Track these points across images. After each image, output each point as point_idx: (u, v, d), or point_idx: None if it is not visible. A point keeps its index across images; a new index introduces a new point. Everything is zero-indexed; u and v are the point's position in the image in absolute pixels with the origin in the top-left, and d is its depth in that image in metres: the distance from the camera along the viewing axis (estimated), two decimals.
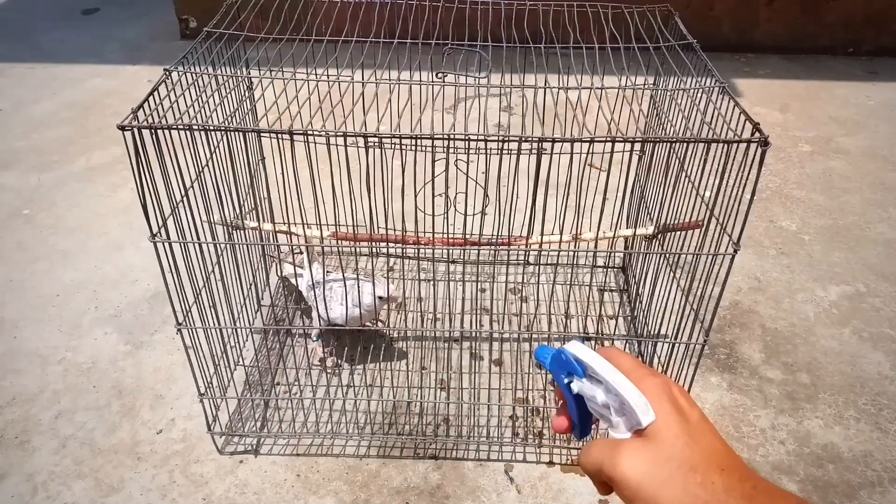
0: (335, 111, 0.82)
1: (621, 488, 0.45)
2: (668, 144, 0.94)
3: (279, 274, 1.35)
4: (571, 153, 0.77)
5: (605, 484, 0.49)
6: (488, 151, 0.87)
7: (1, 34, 2.72)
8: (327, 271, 1.13)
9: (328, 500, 0.95)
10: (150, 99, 0.76)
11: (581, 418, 0.52)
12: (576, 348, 0.50)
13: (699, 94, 0.86)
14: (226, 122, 0.92)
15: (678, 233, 0.95)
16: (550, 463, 1.01)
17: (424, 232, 1.24)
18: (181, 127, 0.74)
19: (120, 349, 1.21)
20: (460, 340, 1.22)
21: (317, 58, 0.92)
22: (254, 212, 1.13)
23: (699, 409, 0.47)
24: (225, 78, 0.91)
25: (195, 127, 0.74)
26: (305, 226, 0.91)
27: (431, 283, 1.35)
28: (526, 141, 0.73)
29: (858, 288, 1.37)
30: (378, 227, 0.86)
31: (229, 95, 0.96)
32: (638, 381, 0.47)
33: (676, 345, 0.90)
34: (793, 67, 2.46)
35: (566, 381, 0.51)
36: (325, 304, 1.01)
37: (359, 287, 1.00)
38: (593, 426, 0.52)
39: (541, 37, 0.98)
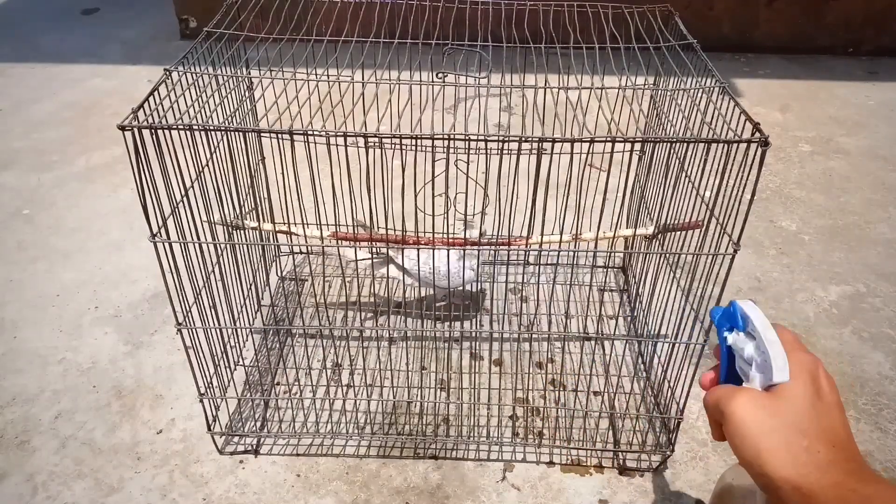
0: (335, 111, 0.82)
1: (728, 423, 0.47)
2: (668, 144, 0.94)
3: (279, 273, 1.35)
4: (571, 153, 0.77)
5: (718, 426, 0.50)
6: (488, 151, 0.87)
7: (1, 34, 2.72)
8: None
9: (328, 500, 0.95)
10: (151, 99, 0.76)
11: (726, 378, 0.55)
12: (747, 305, 0.54)
13: (699, 94, 0.86)
14: (226, 122, 0.92)
15: (678, 233, 0.95)
16: (550, 463, 1.01)
17: (424, 232, 1.24)
18: (181, 127, 0.74)
19: (120, 349, 1.21)
20: (460, 340, 1.22)
21: (317, 58, 0.92)
22: (254, 212, 1.13)
23: (838, 397, 0.48)
24: (225, 78, 0.91)
25: (195, 127, 0.74)
26: (305, 226, 0.91)
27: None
28: (526, 141, 0.73)
29: (858, 288, 1.37)
30: (378, 227, 0.86)
31: (229, 95, 0.96)
32: (790, 350, 0.49)
33: (676, 345, 0.90)
34: (793, 67, 2.46)
35: (724, 334, 0.55)
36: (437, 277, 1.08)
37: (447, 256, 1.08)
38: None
39: (541, 37, 0.98)
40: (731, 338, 0.54)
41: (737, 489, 0.74)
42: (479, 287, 1.33)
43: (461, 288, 1.18)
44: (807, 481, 0.42)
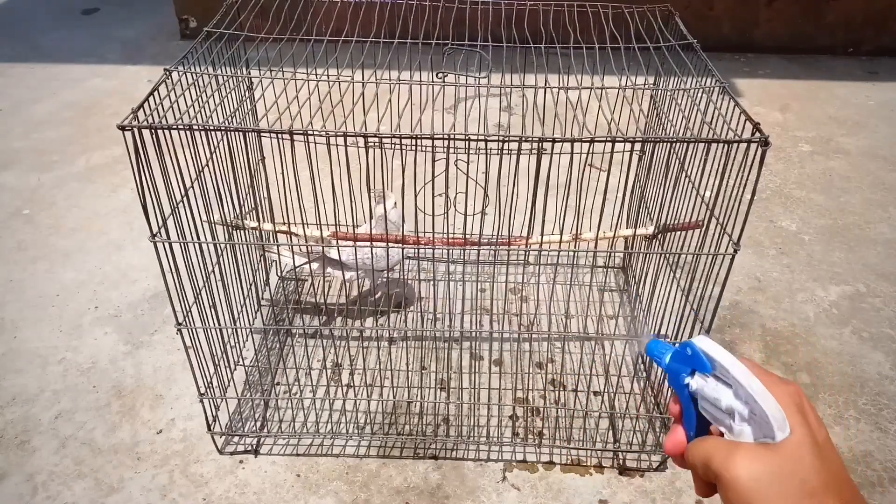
0: (335, 111, 0.82)
1: (729, 490, 0.42)
2: (668, 144, 0.94)
3: (279, 273, 1.35)
4: (571, 153, 0.77)
5: (707, 484, 0.45)
6: (488, 151, 0.87)
7: (1, 34, 2.72)
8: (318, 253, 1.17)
9: (328, 500, 0.95)
10: (151, 99, 0.76)
11: (699, 428, 0.48)
12: (705, 343, 0.46)
13: (699, 94, 0.86)
14: (226, 122, 0.92)
15: (678, 233, 0.95)
16: (550, 463, 1.01)
17: (424, 232, 1.24)
18: (181, 127, 0.74)
19: (120, 349, 1.21)
20: (460, 340, 1.22)
21: (317, 58, 0.92)
22: (254, 212, 1.13)
23: (826, 430, 0.43)
24: (225, 78, 0.91)
25: (195, 127, 0.74)
26: (305, 226, 0.91)
27: (431, 283, 1.35)
28: (526, 141, 0.73)
29: (858, 288, 1.37)
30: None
31: (229, 95, 0.96)
32: (769, 386, 0.44)
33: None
34: (793, 67, 2.46)
35: (686, 381, 0.47)
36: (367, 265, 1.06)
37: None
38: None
39: (541, 37, 0.98)
40: (697, 384, 0.47)
41: None
42: (477, 282, 1.33)
43: (391, 271, 1.17)
44: None
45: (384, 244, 0.91)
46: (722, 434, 0.46)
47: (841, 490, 0.41)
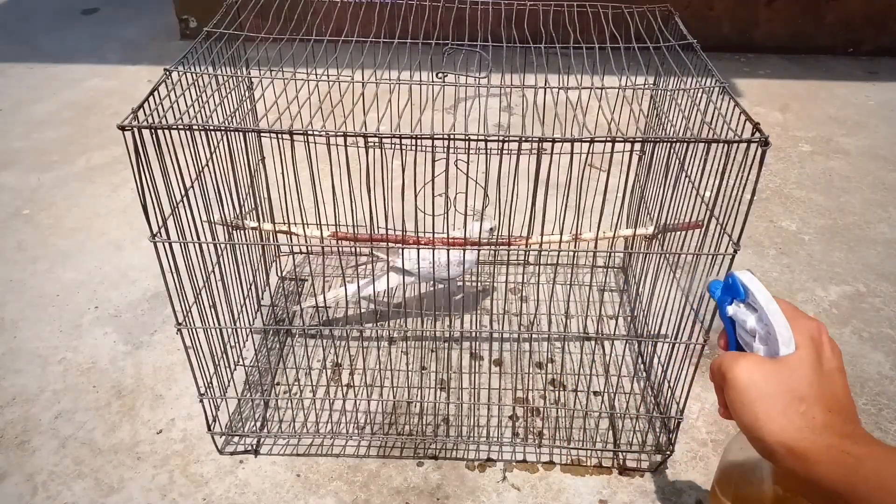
0: (335, 111, 0.82)
1: (729, 388, 0.48)
2: (668, 144, 0.94)
3: (279, 274, 1.35)
4: (571, 153, 0.77)
5: (723, 396, 0.50)
6: (488, 151, 0.87)
7: (1, 34, 2.72)
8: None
9: (328, 500, 0.95)
10: (150, 99, 0.76)
11: (735, 348, 0.55)
12: (745, 276, 0.54)
13: (699, 94, 0.86)
14: (226, 122, 0.92)
15: (678, 233, 0.95)
16: (550, 463, 1.01)
17: (424, 232, 1.24)
18: (181, 127, 0.74)
19: (120, 349, 1.21)
20: (460, 340, 1.22)
21: (317, 58, 0.92)
22: (254, 212, 1.13)
23: (840, 362, 0.50)
24: (225, 78, 0.91)
25: (195, 127, 0.74)
26: (305, 226, 0.91)
27: (431, 283, 1.35)
28: (526, 141, 0.73)
29: (858, 288, 1.37)
30: (378, 227, 0.86)
31: (229, 95, 0.96)
32: (792, 318, 0.49)
33: (676, 345, 0.90)
34: (793, 67, 2.46)
35: (726, 305, 0.55)
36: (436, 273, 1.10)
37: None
38: None
39: (541, 37, 0.98)
40: (732, 309, 0.54)
41: (742, 462, 0.74)
42: (477, 282, 1.33)
43: (459, 279, 1.19)
44: (801, 444, 0.43)
45: (384, 244, 0.91)
46: None
47: (832, 404, 0.46)
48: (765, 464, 0.69)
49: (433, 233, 1.03)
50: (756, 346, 0.50)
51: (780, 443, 0.44)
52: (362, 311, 1.27)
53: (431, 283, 1.20)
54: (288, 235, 1.16)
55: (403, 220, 0.89)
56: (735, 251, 0.79)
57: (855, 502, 0.40)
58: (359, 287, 1.16)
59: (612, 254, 1.41)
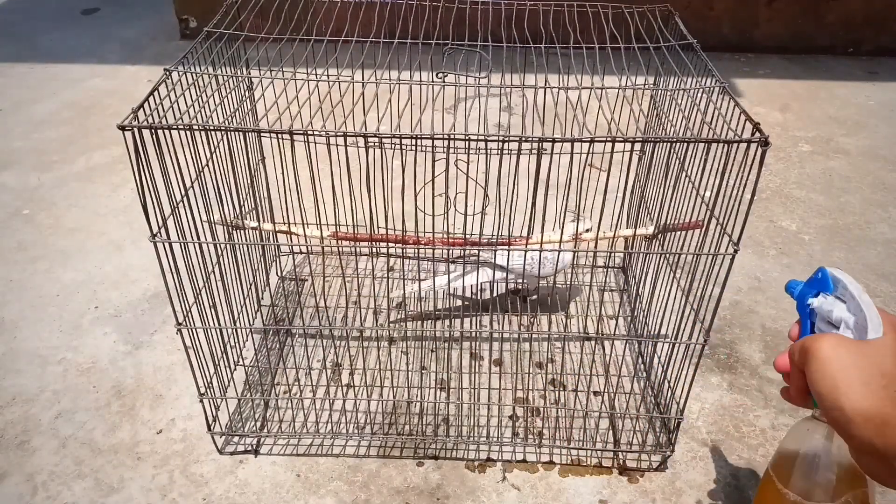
0: (335, 111, 0.82)
1: (812, 360, 0.49)
2: (668, 144, 0.94)
3: (279, 274, 1.35)
4: (571, 153, 0.77)
5: (801, 377, 0.52)
6: (488, 151, 0.87)
7: (1, 34, 2.72)
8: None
9: (328, 500, 0.95)
10: (151, 99, 0.76)
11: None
12: (836, 270, 0.59)
13: (699, 94, 0.86)
14: (226, 122, 0.92)
15: (678, 233, 0.95)
16: (550, 463, 1.01)
17: (424, 232, 1.24)
18: (181, 127, 0.74)
19: (120, 349, 1.21)
20: (460, 340, 1.22)
21: (317, 58, 0.92)
22: (254, 212, 1.13)
23: None
24: (225, 78, 0.91)
25: (195, 127, 0.74)
26: (305, 226, 0.91)
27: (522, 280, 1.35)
28: (526, 141, 0.73)
29: None
30: (378, 227, 0.86)
31: (229, 95, 0.96)
32: (880, 310, 0.53)
33: (676, 345, 0.90)
34: (793, 67, 2.46)
35: (809, 301, 0.59)
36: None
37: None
38: None
39: (541, 37, 0.98)
40: (818, 301, 0.57)
41: (805, 449, 0.74)
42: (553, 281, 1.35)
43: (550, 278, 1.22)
44: (881, 411, 0.44)
45: (384, 244, 0.91)
46: None
47: None
48: (831, 449, 0.70)
49: (433, 232, 1.03)
50: (842, 332, 0.53)
51: (857, 410, 0.44)
52: (362, 310, 1.27)
53: (522, 280, 1.22)
54: (288, 235, 1.16)
55: (403, 220, 0.89)
56: (735, 251, 0.79)
57: None
58: (449, 279, 1.17)
59: (612, 254, 1.41)
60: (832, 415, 0.46)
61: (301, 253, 1.44)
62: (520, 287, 1.27)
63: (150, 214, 0.77)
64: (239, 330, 1.11)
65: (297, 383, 1.13)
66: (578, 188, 0.80)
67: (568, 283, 1.35)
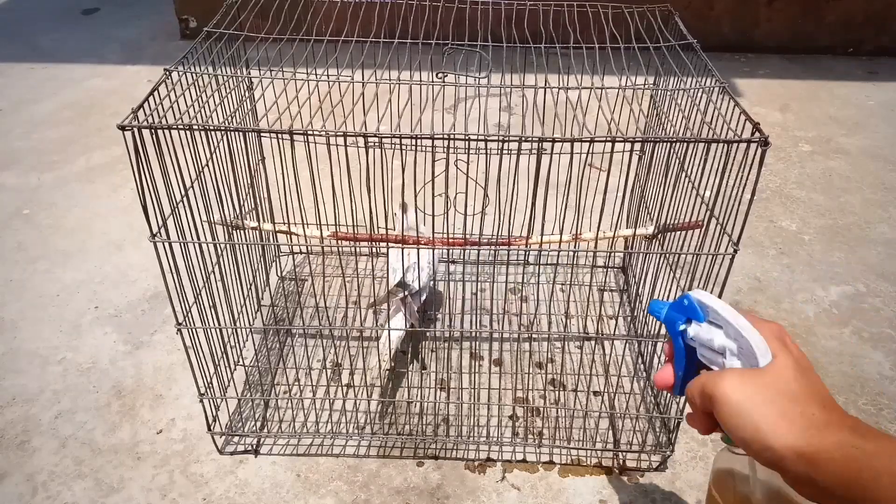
0: (335, 111, 0.82)
1: (720, 406, 0.47)
2: (668, 144, 0.94)
3: (279, 274, 1.35)
4: (571, 153, 0.77)
5: (705, 416, 0.50)
6: (488, 151, 0.87)
7: (1, 34, 2.72)
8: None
9: (328, 500, 0.95)
10: (150, 99, 0.76)
11: (686, 372, 0.54)
12: (701, 294, 0.53)
13: (699, 94, 0.86)
14: (226, 122, 0.92)
15: (678, 233, 0.95)
16: (550, 463, 1.01)
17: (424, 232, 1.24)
18: (181, 127, 0.74)
19: (120, 349, 1.21)
20: (460, 340, 1.22)
21: (317, 58, 0.92)
22: (254, 212, 1.13)
23: (808, 360, 0.49)
24: (225, 78, 0.91)
25: (195, 127, 0.74)
26: (305, 226, 0.91)
27: (431, 283, 1.35)
28: (526, 141, 0.73)
29: (858, 288, 1.37)
30: (378, 227, 0.86)
31: (229, 95, 0.96)
32: (758, 326, 0.49)
33: None
34: (793, 67, 2.46)
35: (681, 328, 0.54)
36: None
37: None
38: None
39: (541, 37, 0.98)
40: (693, 330, 0.52)
41: (736, 471, 0.74)
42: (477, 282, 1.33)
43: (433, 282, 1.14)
44: (809, 445, 0.42)
45: (384, 244, 0.91)
46: None
47: (824, 401, 0.46)
48: (757, 475, 0.69)
49: (433, 233, 1.02)
50: (729, 362, 0.50)
51: (787, 447, 0.42)
52: (362, 310, 1.27)
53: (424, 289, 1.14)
54: (288, 235, 1.16)
55: (403, 220, 0.88)
56: (735, 251, 0.79)
57: (870, 501, 0.39)
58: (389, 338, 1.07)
59: (612, 254, 1.41)
60: (763, 456, 0.44)
61: (301, 253, 1.44)
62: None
63: (150, 214, 0.77)
64: (239, 330, 1.11)
65: (297, 383, 1.13)
66: (578, 188, 0.80)
67: (568, 283, 1.35)
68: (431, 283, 1.16)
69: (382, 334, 1.04)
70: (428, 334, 1.24)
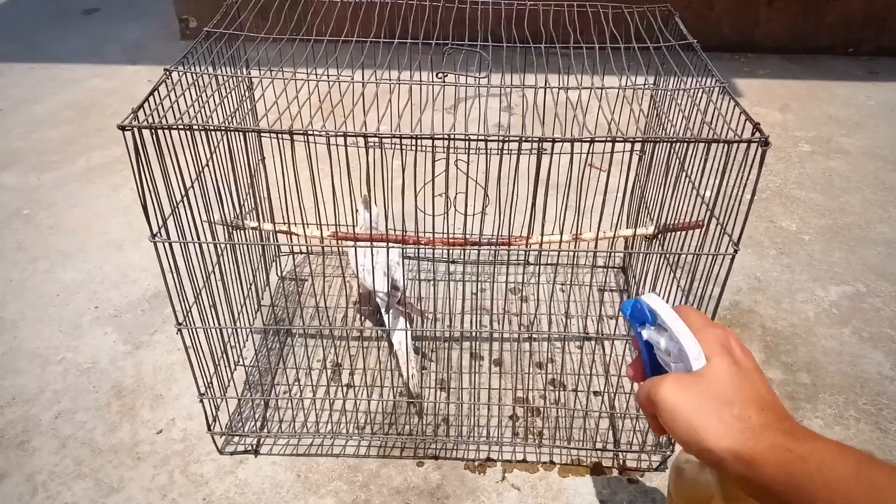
0: (335, 111, 0.82)
1: (661, 411, 0.48)
2: (669, 144, 0.94)
3: (279, 274, 1.35)
4: (571, 153, 0.77)
5: (654, 419, 0.51)
6: (488, 151, 0.87)
7: (1, 34, 2.72)
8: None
9: (328, 500, 0.95)
10: (151, 99, 0.76)
11: (653, 369, 0.55)
12: (651, 299, 0.54)
13: (699, 94, 0.86)
14: (226, 122, 0.92)
15: (678, 233, 0.95)
16: (550, 463, 1.01)
17: (424, 232, 1.24)
18: (181, 127, 0.74)
19: (120, 349, 1.21)
20: (460, 340, 1.22)
21: (317, 58, 0.92)
22: (254, 212, 1.13)
23: (754, 362, 0.50)
24: (225, 78, 0.91)
25: (195, 127, 0.74)
26: (305, 226, 0.91)
27: (431, 283, 1.35)
28: (526, 141, 0.73)
29: (858, 288, 1.37)
30: (378, 228, 0.86)
31: (229, 95, 0.96)
32: (698, 330, 0.50)
33: None
34: (793, 67, 2.46)
35: (639, 330, 0.55)
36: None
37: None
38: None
39: (541, 37, 0.98)
40: (646, 333, 0.54)
41: (688, 468, 0.76)
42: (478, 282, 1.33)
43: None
44: (745, 447, 0.43)
45: (384, 244, 0.90)
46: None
47: (761, 403, 0.46)
48: (709, 475, 0.70)
49: (433, 232, 1.02)
50: (673, 366, 0.51)
51: (724, 449, 0.44)
52: (363, 310, 1.27)
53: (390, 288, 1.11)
54: (288, 235, 1.16)
55: (403, 220, 0.89)
56: (735, 251, 0.79)
57: (805, 501, 0.40)
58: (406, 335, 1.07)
59: (612, 254, 1.41)
60: (704, 457, 0.45)
61: (301, 253, 1.43)
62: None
63: (150, 214, 0.77)
64: (239, 330, 1.11)
65: (297, 383, 1.13)
66: (578, 188, 0.80)
67: (568, 283, 1.35)
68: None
69: (395, 343, 1.05)
70: (427, 334, 1.24)
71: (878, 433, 1.07)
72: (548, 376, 1.15)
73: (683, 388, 0.47)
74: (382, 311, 1.10)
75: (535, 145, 0.73)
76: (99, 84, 2.29)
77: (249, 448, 1.03)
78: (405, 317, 1.07)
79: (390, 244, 0.91)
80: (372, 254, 0.88)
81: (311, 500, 0.95)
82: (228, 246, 0.94)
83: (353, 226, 1.12)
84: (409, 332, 1.06)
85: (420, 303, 1.29)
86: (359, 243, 0.96)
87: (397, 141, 0.76)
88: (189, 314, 0.90)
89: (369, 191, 0.80)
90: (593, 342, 1.22)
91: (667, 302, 0.56)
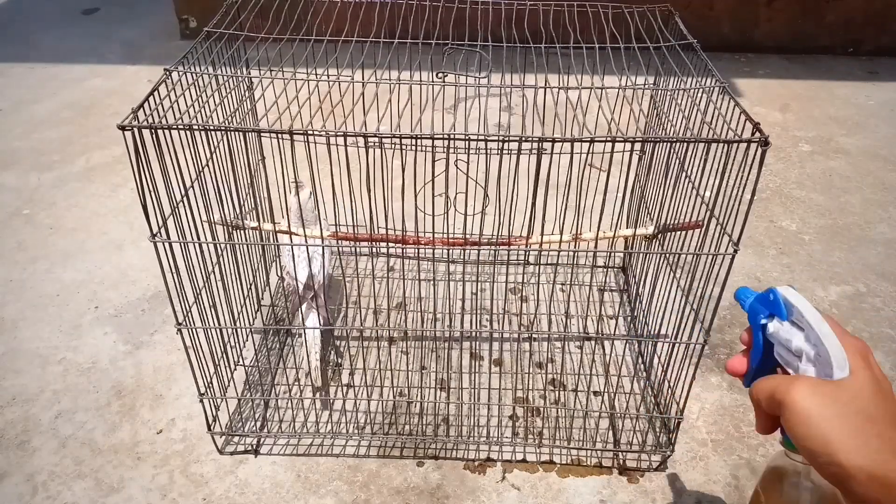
0: (335, 111, 0.82)
1: (790, 413, 0.45)
2: (669, 144, 0.94)
3: (279, 275, 1.35)
4: (571, 153, 0.77)
5: (768, 419, 0.48)
6: (488, 151, 0.88)
7: (1, 34, 2.72)
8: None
9: (328, 500, 0.95)
10: (150, 99, 0.76)
11: (760, 365, 0.52)
12: (789, 292, 0.51)
13: (699, 94, 0.86)
14: (226, 122, 0.92)
15: (678, 233, 0.95)
16: (550, 463, 1.01)
17: (424, 232, 1.24)
18: (181, 127, 0.74)
19: (120, 349, 1.21)
20: (460, 340, 1.22)
21: (317, 58, 0.92)
22: (254, 212, 1.13)
23: (889, 382, 0.47)
24: (225, 78, 0.91)
25: (195, 127, 0.74)
26: (305, 226, 0.91)
27: (431, 283, 1.35)
28: (526, 141, 0.73)
29: (858, 288, 1.37)
30: (378, 227, 0.86)
31: (229, 95, 0.96)
32: (840, 337, 0.47)
33: (676, 345, 0.90)
34: (793, 67, 2.46)
35: (762, 322, 0.52)
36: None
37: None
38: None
39: (541, 37, 0.98)
40: (774, 327, 0.51)
41: (788, 473, 0.73)
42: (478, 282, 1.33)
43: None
44: (882, 468, 0.40)
45: (384, 244, 0.90)
46: (787, 374, 0.50)
47: None
48: (812, 480, 0.66)
49: (433, 232, 1.02)
50: (804, 367, 0.48)
51: (858, 468, 0.41)
52: (362, 310, 1.27)
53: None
54: (288, 235, 1.16)
55: (403, 220, 0.89)
56: (735, 251, 0.79)
57: None
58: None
59: (612, 254, 1.41)
60: (829, 470, 0.43)
61: None
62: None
63: (150, 214, 0.77)
64: (239, 330, 1.11)
65: (297, 383, 1.13)
66: (578, 188, 0.80)
67: (568, 283, 1.35)
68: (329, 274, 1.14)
69: (309, 335, 1.05)
70: (427, 334, 1.24)
71: None
72: (548, 376, 1.15)
73: (823, 395, 0.44)
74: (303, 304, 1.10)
75: (535, 145, 0.73)
76: (99, 84, 2.29)
77: (249, 448, 1.03)
78: (317, 312, 1.07)
79: (391, 245, 0.91)
80: (292, 243, 0.85)
81: (311, 500, 0.95)
82: (228, 246, 0.94)
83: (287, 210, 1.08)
84: (319, 328, 1.05)
85: (420, 303, 1.30)
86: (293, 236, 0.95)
87: (397, 141, 0.76)
88: (189, 314, 0.90)
89: (369, 191, 0.80)
90: (593, 342, 1.22)
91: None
